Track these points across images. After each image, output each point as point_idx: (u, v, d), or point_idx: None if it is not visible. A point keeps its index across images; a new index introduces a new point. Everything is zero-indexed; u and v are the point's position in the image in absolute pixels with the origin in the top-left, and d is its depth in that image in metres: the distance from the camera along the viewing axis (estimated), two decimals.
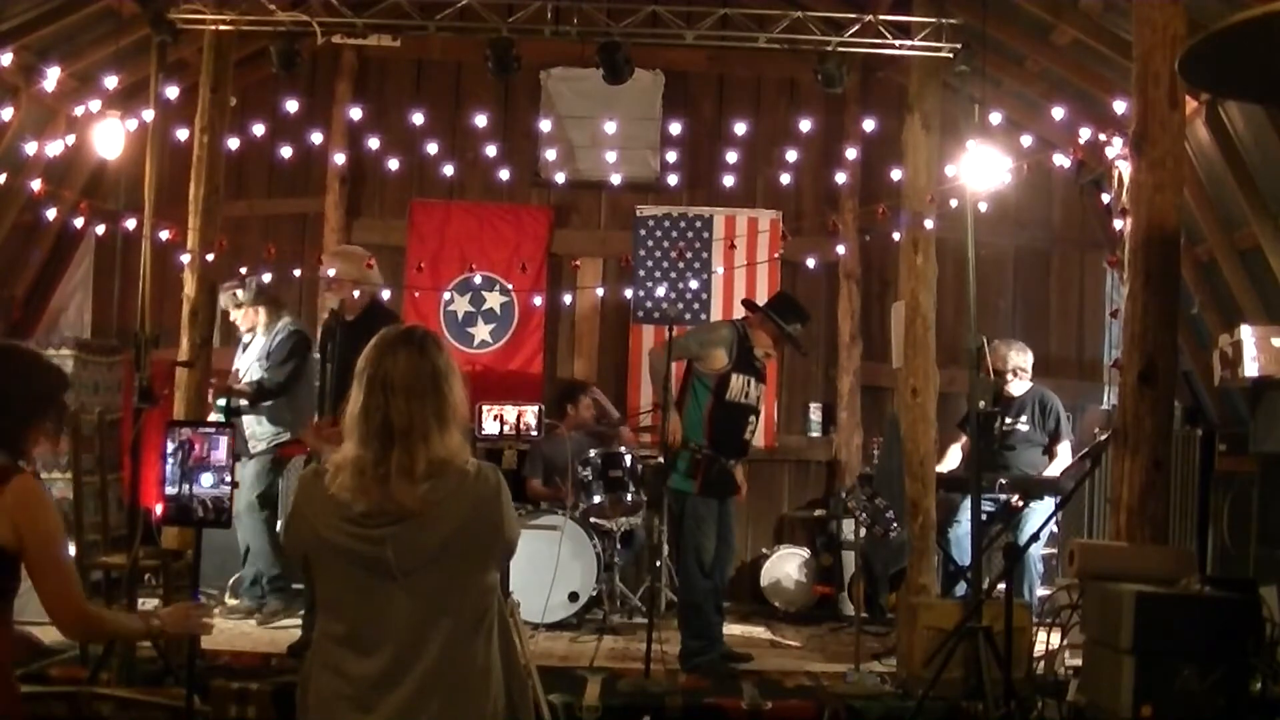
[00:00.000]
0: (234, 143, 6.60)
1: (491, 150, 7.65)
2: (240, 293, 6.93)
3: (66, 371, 3.44)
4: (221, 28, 6.17)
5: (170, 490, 4.49)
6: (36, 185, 6.76)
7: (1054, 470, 6.90)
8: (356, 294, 5.94)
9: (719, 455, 6.08)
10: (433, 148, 7.51)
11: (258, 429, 6.86)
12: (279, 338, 6.84)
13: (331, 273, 5.81)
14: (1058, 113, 6.67)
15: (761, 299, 8.35)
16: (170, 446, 4.49)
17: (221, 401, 6.77)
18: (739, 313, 8.43)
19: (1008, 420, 7.04)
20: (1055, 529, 6.86)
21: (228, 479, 4.51)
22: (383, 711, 2.44)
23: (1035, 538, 5.62)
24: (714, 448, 6.07)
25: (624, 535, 7.34)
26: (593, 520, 7.19)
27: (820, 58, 6.43)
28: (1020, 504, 6.78)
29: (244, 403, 6.87)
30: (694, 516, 6.08)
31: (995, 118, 6.65)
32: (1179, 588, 4.47)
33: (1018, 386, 7.11)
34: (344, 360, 5.59)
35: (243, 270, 7.27)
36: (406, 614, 2.45)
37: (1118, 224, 6.34)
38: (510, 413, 7.47)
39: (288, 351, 6.76)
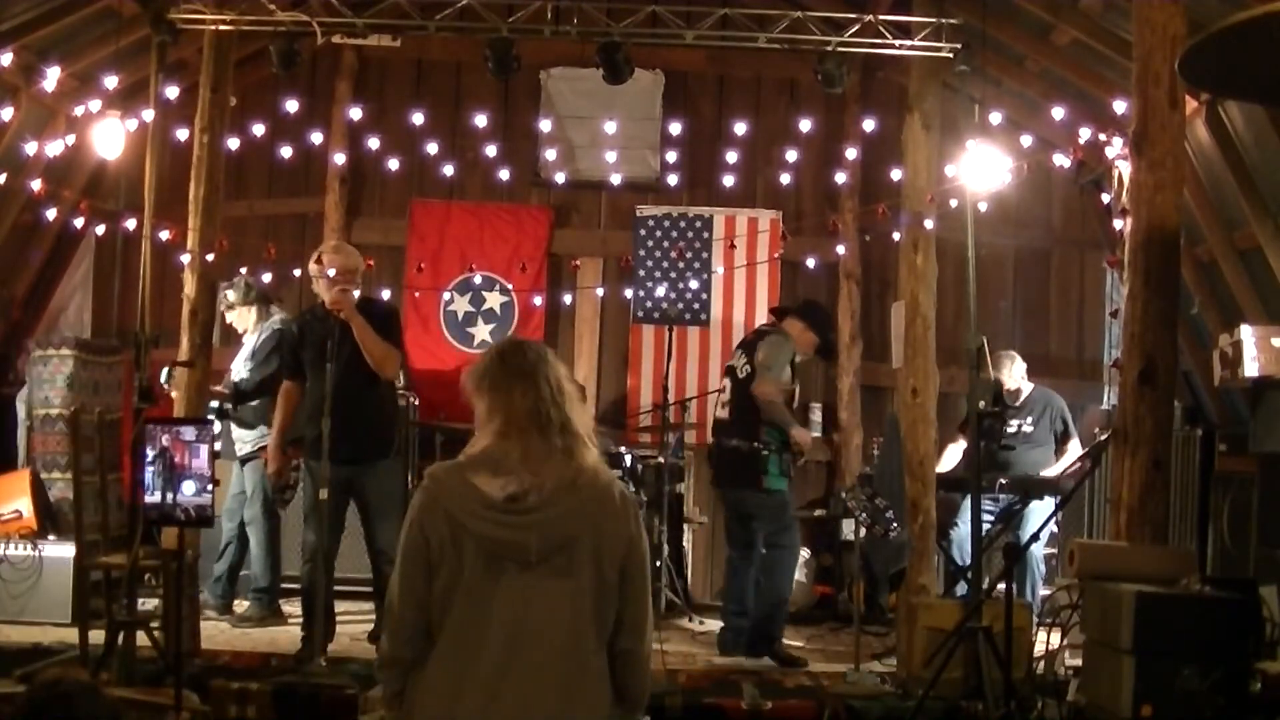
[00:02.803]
0: (234, 143, 6.59)
1: (491, 150, 7.65)
2: (230, 294, 6.91)
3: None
4: (221, 28, 6.16)
5: (152, 499, 4.47)
6: (36, 185, 6.75)
7: (1063, 465, 6.95)
8: (358, 292, 5.94)
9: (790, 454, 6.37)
10: (433, 148, 7.51)
11: (243, 431, 6.86)
12: (263, 336, 6.84)
13: (332, 273, 5.79)
14: (1058, 113, 6.67)
15: (762, 299, 8.41)
16: (149, 454, 4.46)
17: (215, 404, 6.77)
18: (740, 313, 8.50)
19: (1014, 422, 7.07)
20: (1055, 529, 6.86)
21: (210, 487, 4.49)
22: (505, 698, 2.49)
23: (1035, 538, 5.62)
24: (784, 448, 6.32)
25: None
26: None
27: (820, 58, 6.42)
28: (1019, 506, 6.82)
29: (230, 405, 6.87)
30: (787, 511, 6.36)
31: (995, 118, 6.64)
32: (1179, 588, 4.46)
33: (1023, 390, 7.20)
34: (349, 358, 5.59)
35: (243, 270, 7.27)
36: (538, 602, 2.53)
37: (1118, 224, 6.33)
38: None
39: (269, 350, 6.75)
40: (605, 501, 2.59)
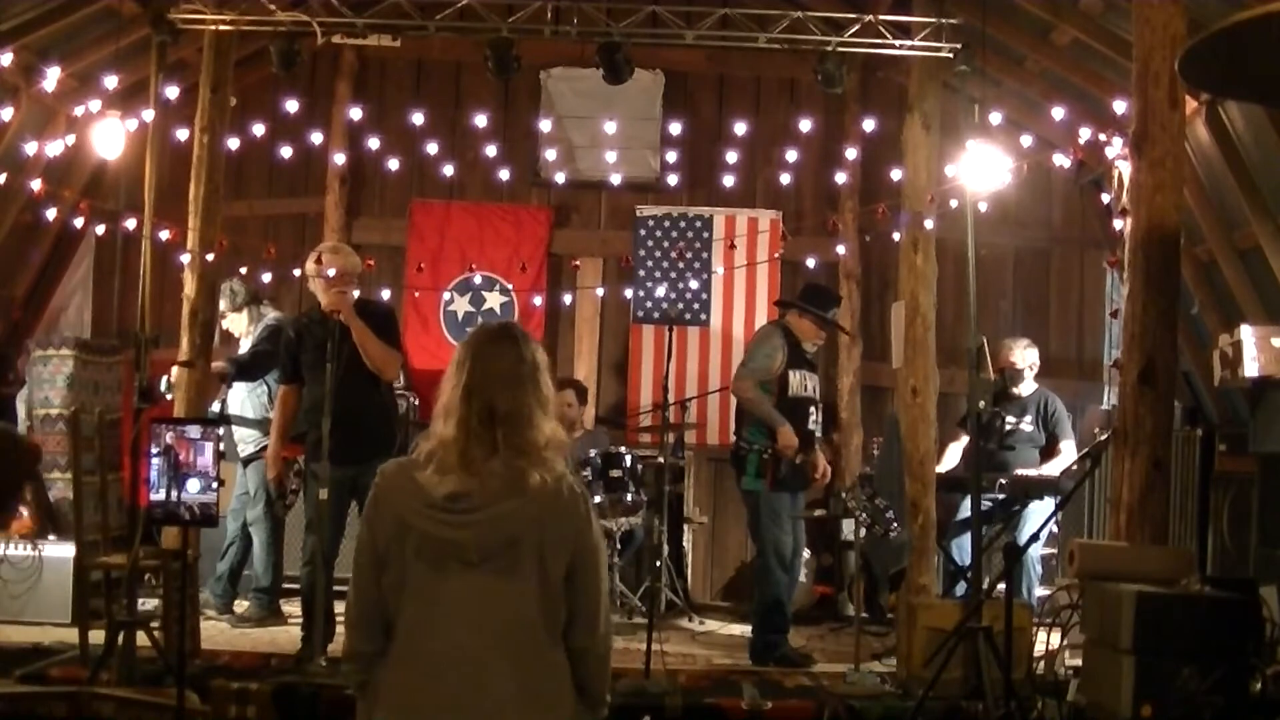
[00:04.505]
0: (234, 143, 6.59)
1: (491, 150, 7.64)
2: (221, 302, 6.89)
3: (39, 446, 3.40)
4: (221, 28, 6.16)
5: (157, 496, 4.48)
6: (36, 185, 6.75)
7: (1052, 468, 6.92)
8: (356, 293, 5.93)
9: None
10: (433, 148, 7.51)
11: (245, 431, 6.86)
12: (257, 333, 6.89)
13: (331, 273, 5.78)
14: (1058, 113, 6.67)
15: (762, 299, 8.42)
16: (154, 450, 4.48)
17: (215, 406, 6.77)
18: (740, 313, 8.51)
19: (1011, 419, 7.05)
20: (1055, 529, 6.86)
21: (214, 486, 4.50)
22: (455, 695, 2.49)
23: (1035, 538, 5.62)
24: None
25: (624, 535, 7.34)
26: None
27: (820, 58, 6.42)
28: (1016, 507, 6.81)
29: (231, 409, 6.86)
30: (769, 513, 6.26)
31: (995, 118, 6.64)
32: (1179, 588, 4.47)
33: (1025, 386, 7.14)
34: (349, 359, 5.58)
35: (242, 270, 7.27)
36: (482, 602, 2.52)
37: (1118, 224, 6.33)
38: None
39: (260, 339, 6.80)
40: (552, 500, 2.56)
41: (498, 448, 2.55)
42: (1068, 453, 6.97)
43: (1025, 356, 7.14)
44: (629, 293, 8.50)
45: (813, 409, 6.38)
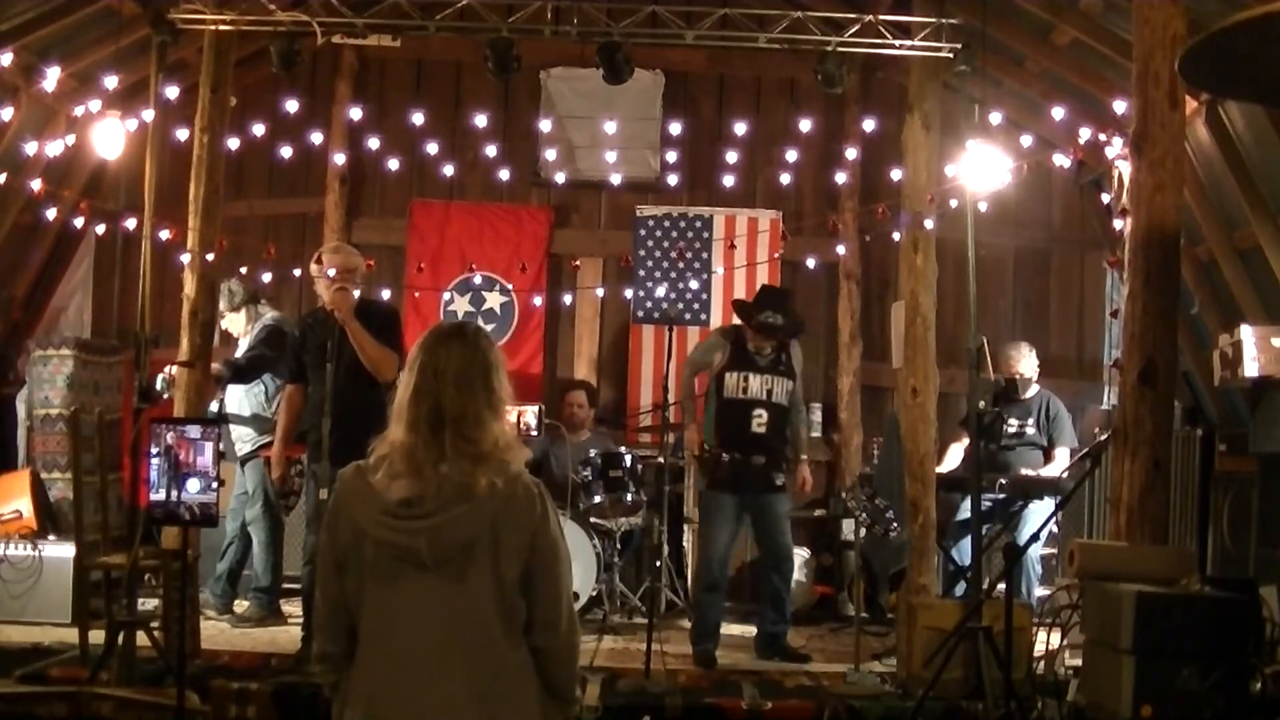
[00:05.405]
0: (234, 143, 6.60)
1: (491, 150, 7.66)
2: (221, 303, 6.88)
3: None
4: (221, 28, 6.16)
5: (157, 496, 4.48)
6: (36, 185, 6.75)
7: (1048, 472, 6.90)
8: (358, 293, 5.93)
9: (728, 451, 6.26)
10: (433, 148, 7.52)
11: (242, 430, 6.87)
12: (255, 333, 6.89)
13: (332, 273, 5.78)
14: (1058, 113, 6.68)
15: None
16: (154, 450, 4.48)
17: (214, 407, 6.77)
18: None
19: (1014, 422, 7.03)
20: (1055, 529, 6.85)
21: (214, 485, 4.51)
22: (416, 698, 2.49)
23: (1035, 538, 5.62)
24: (723, 445, 6.28)
25: (624, 535, 7.34)
26: (593, 520, 7.19)
27: (820, 58, 6.42)
28: (1019, 506, 6.79)
29: (229, 408, 6.86)
30: (703, 510, 6.45)
31: (995, 118, 6.65)
32: (1179, 588, 4.46)
33: (1029, 390, 7.13)
34: (349, 359, 5.58)
35: (242, 270, 7.27)
36: (437, 606, 2.51)
37: (1118, 224, 6.33)
38: (510, 413, 7.47)
39: (260, 340, 6.80)
40: (505, 503, 2.53)
41: (446, 451, 2.52)
42: (1061, 460, 6.93)
43: (1030, 365, 7.13)
44: (629, 293, 8.50)
45: (759, 411, 6.30)
